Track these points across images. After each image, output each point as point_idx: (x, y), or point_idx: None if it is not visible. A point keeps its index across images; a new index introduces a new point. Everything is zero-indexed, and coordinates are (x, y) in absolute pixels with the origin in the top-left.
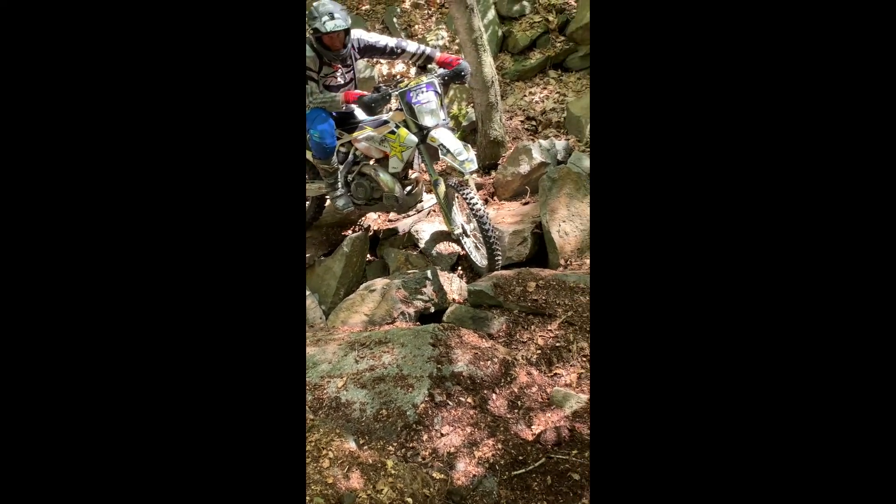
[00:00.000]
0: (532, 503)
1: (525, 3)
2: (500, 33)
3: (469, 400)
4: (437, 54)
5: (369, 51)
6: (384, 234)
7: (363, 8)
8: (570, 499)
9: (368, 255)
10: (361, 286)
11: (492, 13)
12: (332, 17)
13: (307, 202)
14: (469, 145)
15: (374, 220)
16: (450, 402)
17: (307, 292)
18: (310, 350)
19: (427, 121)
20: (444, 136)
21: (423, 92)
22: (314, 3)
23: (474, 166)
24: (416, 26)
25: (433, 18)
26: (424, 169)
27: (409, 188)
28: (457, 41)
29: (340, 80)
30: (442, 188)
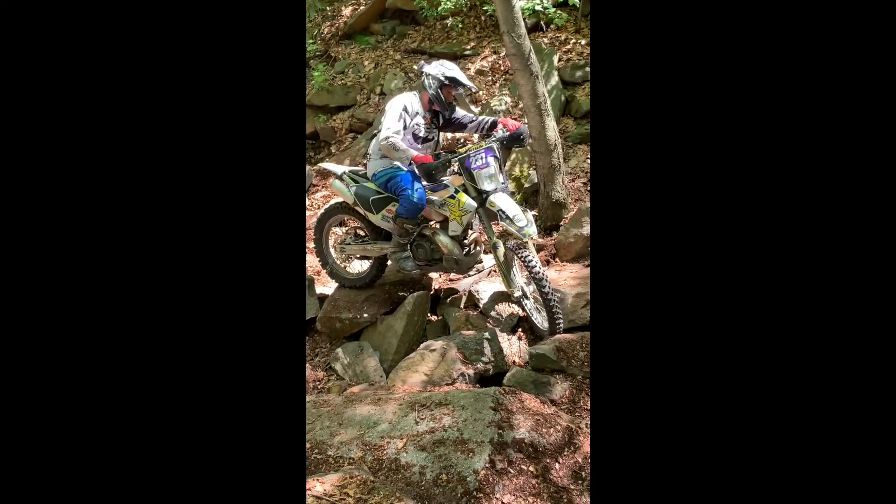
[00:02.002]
0: None
1: (587, 69)
2: (563, 98)
3: (531, 468)
4: (501, 119)
5: (452, 123)
6: (445, 293)
7: None
8: None
9: (429, 315)
10: (422, 345)
11: (555, 79)
12: (464, 77)
13: (370, 262)
14: (528, 210)
15: (436, 279)
16: (511, 470)
17: (370, 349)
18: (370, 409)
19: (486, 185)
20: (503, 202)
21: (482, 157)
22: (437, 62)
23: (534, 231)
24: (481, 92)
25: (498, 84)
26: (483, 230)
27: (467, 249)
28: (520, 105)
29: (423, 133)
30: (501, 251)
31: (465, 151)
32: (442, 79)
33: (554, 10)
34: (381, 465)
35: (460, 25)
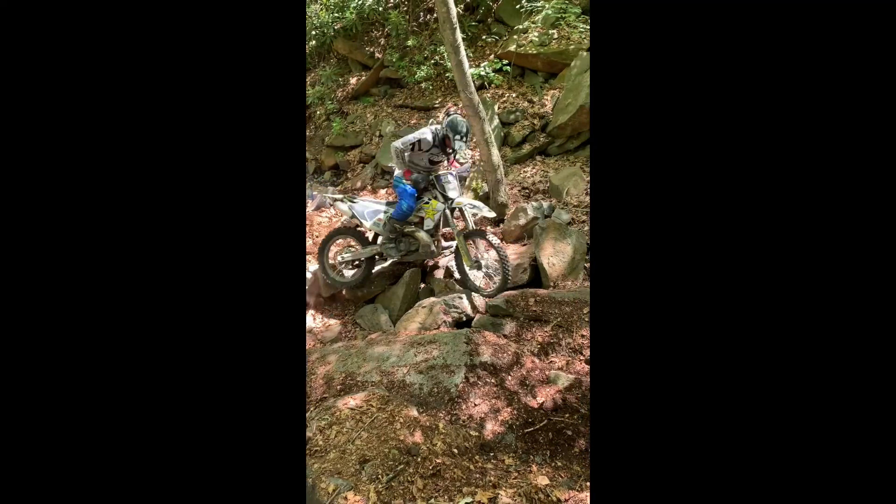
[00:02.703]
0: (539, 451)
1: (518, 112)
2: (502, 133)
3: (492, 380)
4: (457, 162)
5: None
6: (430, 268)
7: (412, 122)
8: (566, 448)
9: (421, 283)
10: (417, 304)
11: (496, 120)
12: (463, 139)
13: (361, 264)
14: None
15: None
16: (479, 382)
17: (382, 308)
18: (383, 348)
19: (451, 194)
20: (466, 201)
21: (449, 175)
22: (456, 116)
23: (493, 214)
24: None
25: None
26: (450, 229)
27: (437, 241)
28: (474, 140)
29: (437, 159)
30: (461, 239)
31: (438, 172)
32: (444, 132)
33: (493, 74)
34: (393, 384)
35: (431, 87)
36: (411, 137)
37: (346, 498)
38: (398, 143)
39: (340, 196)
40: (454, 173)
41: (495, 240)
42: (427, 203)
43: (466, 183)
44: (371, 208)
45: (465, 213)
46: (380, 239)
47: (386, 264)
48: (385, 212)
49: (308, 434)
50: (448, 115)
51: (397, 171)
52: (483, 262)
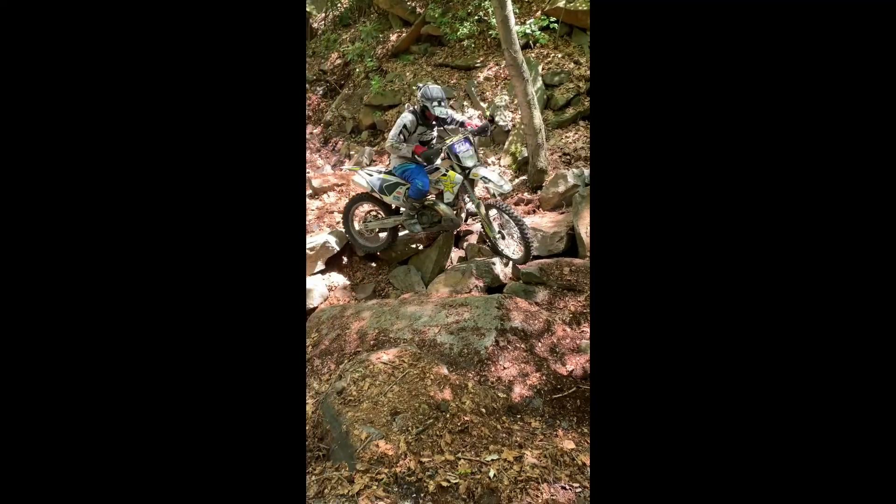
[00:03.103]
0: (566, 417)
1: (563, 75)
2: (545, 96)
3: (522, 345)
4: (466, 120)
5: (439, 121)
6: (464, 233)
7: (451, 81)
8: None
9: (454, 247)
10: (449, 267)
11: (540, 82)
12: (440, 104)
13: (384, 233)
14: (503, 174)
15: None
16: (509, 347)
17: (415, 270)
18: (416, 308)
19: (468, 163)
20: (484, 172)
21: (462, 144)
22: (427, 86)
23: (509, 188)
24: (487, 92)
25: (499, 87)
26: (468, 199)
27: (457, 211)
28: (515, 101)
29: (427, 137)
30: (482, 209)
31: (450, 142)
32: (416, 109)
33: (540, 32)
34: (425, 343)
35: (473, 45)
36: (396, 130)
37: (377, 445)
38: (390, 141)
39: (356, 167)
40: (469, 139)
41: (512, 209)
42: (445, 175)
43: (505, 147)
44: (389, 181)
45: (482, 184)
46: (402, 212)
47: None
48: (403, 184)
49: (342, 384)
50: (419, 88)
51: (394, 162)
52: (506, 231)
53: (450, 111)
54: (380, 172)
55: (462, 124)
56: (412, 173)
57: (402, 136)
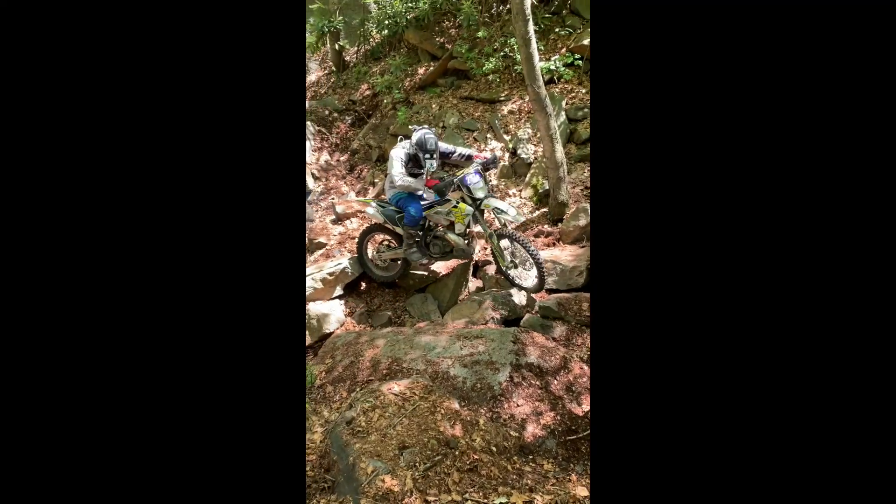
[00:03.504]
0: (581, 461)
1: (586, 110)
2: (568, 130)
3: (537, 382)
4: (474, 153)
5: (442, 156)
6: (482, 263)
7: (476, 114)
8: None
9: (471, 277)
10: (467, 298)
11: (563, 117)
12: (432, 158)
13: (398, 261)
14: (512, 205)
15: (478, 253)
16: (524, 383)
17: (432, 298)
18: (430, 337)
19: (479, 194)
20: (496, 203)
21: (473, 175)
22: (422, 131)
23: (521, 218)
24: (511, 125)
25: (523, 120)
26: (479, 229)
27: (468, 241)
28: (538, 135)
29: (419, 172)
30: (495, 240)
31: (462, 174)
32: (415, 146)
33: (564, 68)
34: (437, 375)
35: (498, 80)
36: (397, 167)
37: (383, 480)
38: (399, 181)
39: (367, 199)
40: (478, 171)
41: (524, 238)
42: (455, 207)
43: (527, 179)
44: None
45: (493, 215)
46: (406, 243)
47: (426, 261)
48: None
49: (352, 414)
50: (415, 130)
51: (389, 193)
52: (518, 261)
53: (457, 147)
54: (389, 204)
55: (470, 157)
56: (405, 202)
57: (403, 168)
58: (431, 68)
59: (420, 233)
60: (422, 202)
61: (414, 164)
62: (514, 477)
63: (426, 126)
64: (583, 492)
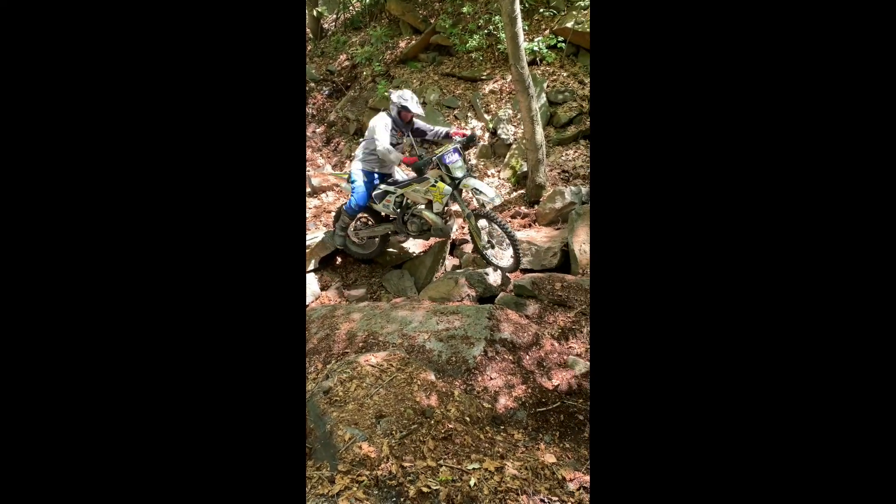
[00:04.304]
0: (549, 431)
1: (567, 93)
2: (549, 113)
3: (510, 357)
4: (452, 131)
5: (418, 133)
6: (459, 241)
7: (457, 91)
8: (576, 431)
9: (448, 255)
10: (444, 275)
11: (544, 98)
12: (417, 104)
13: (376, 238)
14: (491, 185)
15: (455, 231)
16: (497, 357)
17: (408, 275)
18: (406, 312)
19: (458, 174)
20: (474, 183)
21: (451, 154)
22: (399, 91)
23: (499, 199)
24: (492, 105)
25: (504, 100)
26: (458, 207)
27: (446, 220)
28: (519, 116)
29: (394, 141)
30: (472, 219)
31: (440, 152)
32: (399, 106)
33: (547, 50)
34: (413, 348)
35: (481, 58)
36: (383, 133)
37: (360, 447)
38: (384, 146)
39: (342, 174)
40: (457, 149)
41: (501, 219)
42: (434, 186)
43: (506, 160)
44: (379, 190)
45: (472, 195)
46: (337, 228)
47: (402, 237)
48: (393, 192)
49: (329, 384)
50: (391, 93)
51: (355, 167)
52: (495, 241)
53: (435, 126)
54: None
55: (448, 135)
56: (354, 189)
57: (389, 136)
58: (413, 42)
59: (350, 221)
60: (375, 191)
61: (398, 127)
62: (487, 445)
63: (406, 89)
64: (550, 458)
